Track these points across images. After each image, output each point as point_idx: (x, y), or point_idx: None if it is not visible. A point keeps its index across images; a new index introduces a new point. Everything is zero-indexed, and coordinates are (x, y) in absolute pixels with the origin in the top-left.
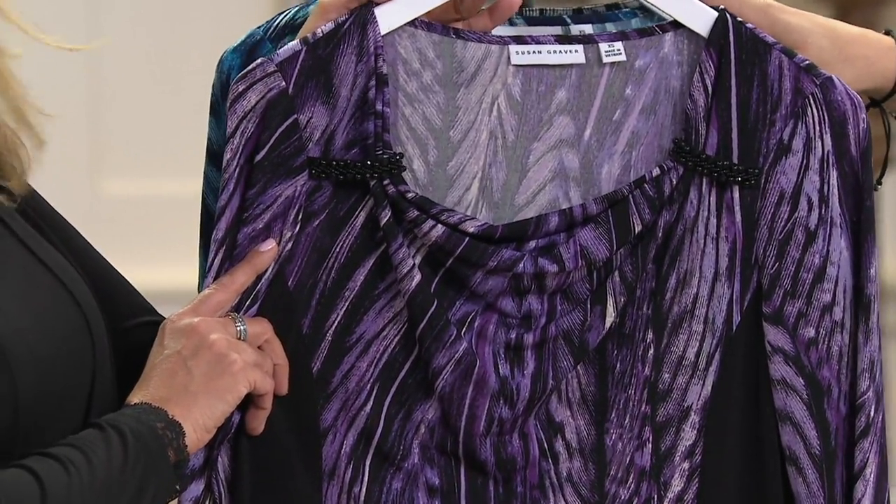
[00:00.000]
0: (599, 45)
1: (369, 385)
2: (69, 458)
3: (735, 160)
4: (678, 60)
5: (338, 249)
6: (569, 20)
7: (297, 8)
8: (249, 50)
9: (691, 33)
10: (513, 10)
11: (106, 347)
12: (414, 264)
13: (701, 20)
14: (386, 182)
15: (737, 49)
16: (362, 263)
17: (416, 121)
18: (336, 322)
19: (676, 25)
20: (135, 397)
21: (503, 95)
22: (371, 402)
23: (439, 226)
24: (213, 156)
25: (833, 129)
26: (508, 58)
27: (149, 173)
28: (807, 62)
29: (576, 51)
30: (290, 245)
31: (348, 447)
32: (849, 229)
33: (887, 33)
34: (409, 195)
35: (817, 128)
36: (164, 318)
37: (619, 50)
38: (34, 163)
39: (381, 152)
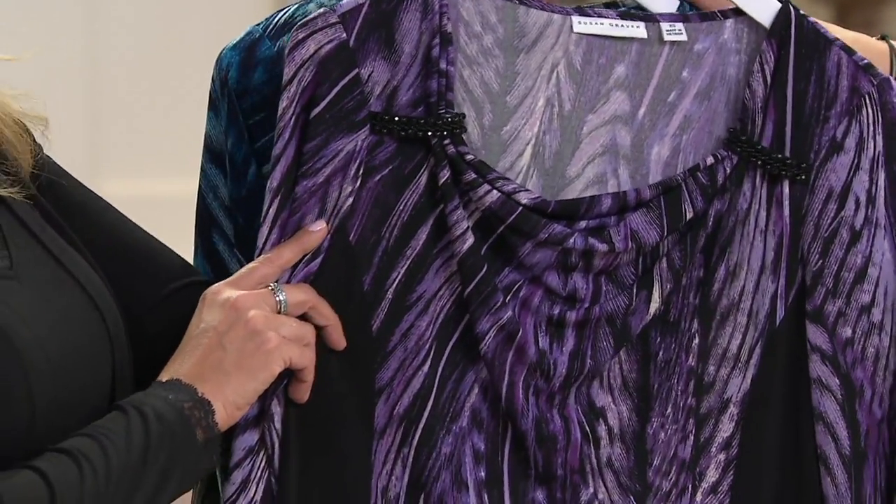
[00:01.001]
0: (661, 23)
1: (427, 345)
2: (82, 452)
3: (788, 154)
4: (737, 48)
5: (401, 207)
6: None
7: (296, 6)
8: (248, 47)
9: (752, 22)
10: None
11: (125, 352)
12: (468, 227)
13: (764, 10)
14: (447, 142)
15: (797, 42)
16: (425, 222)
17: (474, 83)
18: (397, 280)
19: (738, 13)
20: (166, 373)
21: (563, 64)
22: (428, 363)
23: (494, 191)
24: (212, 152)
25: (886, 130)
26: (571, 27)
27: (149, 173)
28: (865, 61)
29: (637, 26)
30: (350, 200)
31: (402, 408)
32: (893, 232)
33: (882, 38)
34: (468, 157)
35: (871, 128)
36: (205, 281)
37: (680, 30)
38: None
39: (443, 111)
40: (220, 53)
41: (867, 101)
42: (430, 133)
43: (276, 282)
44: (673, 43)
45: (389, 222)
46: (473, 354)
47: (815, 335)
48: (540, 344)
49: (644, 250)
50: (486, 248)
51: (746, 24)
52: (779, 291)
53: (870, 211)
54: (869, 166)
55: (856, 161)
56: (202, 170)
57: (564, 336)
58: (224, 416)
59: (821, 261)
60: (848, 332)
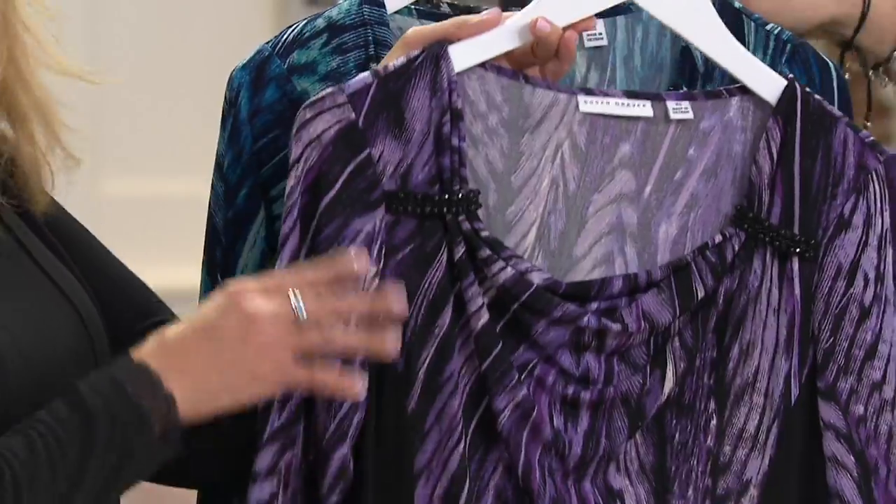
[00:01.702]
0: (667, 102)
1: (460, 425)
2: (7, 453)
3: (796, 231)
4: (742, 126)
5: (426, 286)
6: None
7: (304, 22)
8: (258, 66)
9: (758, 100)
10: (573, 52)
11: (105, 349)
12: (483, 303)
13: (769, 87)
14: (462, 218)
15: (803, 119)
16: (448, 300)
17: (479, 163)
18: (427, 360)
19: (743, 91)
20: (147, 349)
21: (568, 144)
22: (462, 443)
23: (508, 268)
24: (220, 168)
25: (893, 206)
26: (576, 106)
27: (149, 173)
28: (871, 138)
29: (643, 105)
30: (376, 281)
31: (441, 490)
32: None
33: None
34: (484, 234)
35: (878, 204)
36: (175, 318)
37: (686, 108)
38: (67, 182)
39: (458, 187)
40: (231, 73)
41: (874, 177)
42: (445, 210)
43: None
44: (679, 121)
45: (416, 301)
46: (495, 433)
47: (829, 413)
48: (555, 423)
49: (656, 330)
50: (502, 326)
51: (752, 101)
52: (792, 370)
53: (878, 288)
54: (877, 243)
55: (864, 238)
56: (212, 185)
57: (579, 416)
58: (190, 411)
59: (832, 338)
60: (861, 409)
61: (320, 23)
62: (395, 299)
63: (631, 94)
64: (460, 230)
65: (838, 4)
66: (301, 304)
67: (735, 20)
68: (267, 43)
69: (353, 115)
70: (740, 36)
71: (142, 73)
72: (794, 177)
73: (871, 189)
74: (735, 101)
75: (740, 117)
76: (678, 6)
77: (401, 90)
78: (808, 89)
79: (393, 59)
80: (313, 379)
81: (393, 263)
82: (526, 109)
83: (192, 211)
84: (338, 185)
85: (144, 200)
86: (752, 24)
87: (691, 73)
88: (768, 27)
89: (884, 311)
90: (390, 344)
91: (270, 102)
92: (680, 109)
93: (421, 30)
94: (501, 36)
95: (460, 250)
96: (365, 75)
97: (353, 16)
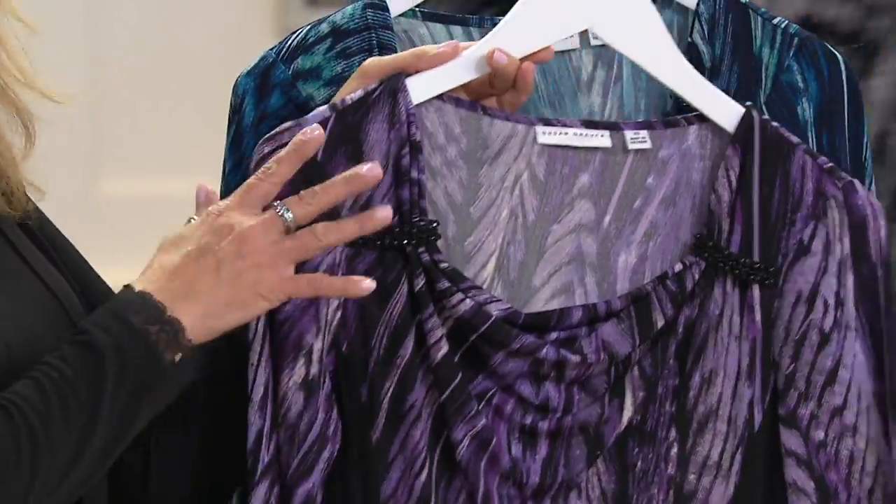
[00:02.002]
0: (625, 131)
1: (423, 454)
2: (18, 399)
3: (756, 258)
4: (701, 154)
5: (387, 317)
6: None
7: (308, 27)
8: (263, 73)
9: (716, 128)
10: (531, 84)
11: None
12: (442, 335)
13: (727, 115)
14: (421, 249)
15: (762, 146)
16: (411, 331)
17: (438, 195)
18: (390, 390)
19: (702, 119)
20: (143, 278)
21: (527, 175)
22: (425, 471)
23: (467, 300)
24: (223, 173)
25: (853, 232)
26: (535, 137)
27: (149, 173)
28: (830, 164)
29: (602, 135)
30: (339, 313)
31: None
32: (865, 334)
33: None
34: (443, 265)
35: (837, 230)
36: None
37: (644, 138)
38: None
39: (417, 219)
40: (236, 80)
41: (833, 204)
42: (405, 241)
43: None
44: (637, 151)
45: (378, 332)
46: (456, 461)
47: (790, 439)
48: (513, 452)
49: (616, 360)
50: (460, 356)
51: (710, 129)
52: (755, 397)
53: (839, 314)
54: (837, 269)
55: (823, 264)
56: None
57: (537, 445)
58: (199, 332)
59: (792, 364)
60: (821, 434)
61: (324, 27)
62: (371, 172)
63: (589, 124)
64: (420, 262)
65: None
66: (285, 209)
67: (742, 15)
68: (271, 49)
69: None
70: (746, 31)
71: (142, 73)
72: (752, 204)
73: (830, 215)
74: (693, 130)
75: (699, 146)
76: (637, 37)
77: (359, 123)
78: (765, 117)
79: (349, 91)
80: (317, 284)
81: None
82: (484, 141)
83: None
84: None
85: (144, 200)
86: (759, 18)
87: (697, 69)
88: (775, 21)
89: (844, 337)
90: (381, 213)
91: (276, 108)
92: (638, 139)
93: (378, 61)
94: (459, 67)
95: (420, 282)
96: (322, 109)
97: (357, 20)
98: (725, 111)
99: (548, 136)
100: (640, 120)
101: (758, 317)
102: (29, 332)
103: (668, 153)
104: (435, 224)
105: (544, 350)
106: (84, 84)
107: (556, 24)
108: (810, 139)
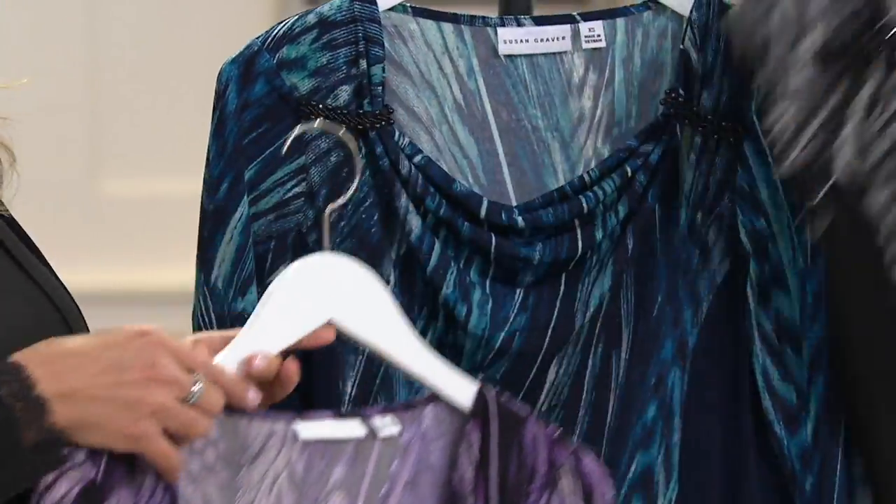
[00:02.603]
0: (373, 419)
1: None
2: None
3: None
4: (438, 434)
5: None
6: (578, 18)
7: (295, 17)
8: (247, 61)
9: (451, 407)
10: (295, 378)
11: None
12: None
13: (462, 393)
14: None
15: (498, 420)
16: None
17: (197, 500)
18: None
19: (435, 398)
20: (28, 352)
21: (286, 474)
22: None
23: None
24: (207, 160)
25: (584, 497)
26: (295, 435)
27: (149, 173)
28: (557, 434)
29: (355, 426)
30: None
31: None
32: None
33: None
34: None
35: (570, 497)
36: None
37: (390, 423)
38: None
39: None
40: (221, 67)
41: (564, 471)
42: None
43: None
44: (385, 438)
45: None
46: None
47: None
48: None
49: None
50: None
51: (447, 408)
52: None
53: None
54: None
55: None
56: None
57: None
58: (66, 420)
59: None
60: None
61: (311, 18)
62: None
63: (338, 415)
64: None
65: None
66: (198, 392)
67: None
68: (257, 38)
69: (91, 473)
70: None
71: (141, 72)
72: (490, 479)
73: (562, 484)
74: (429, 410)
75: (436, 426)
76: (372, 320)
77: None
78: (494, 392)
79: None
80: (156, 447)
81: None
82: (243, 442)
83: (192, 211)
84: None
85: (144, 200)
86: None
87: (687, 76)
88: None
89: None
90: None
91: (259, 97)
92: (386, 425)
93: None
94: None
95: None
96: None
97: (344, 12)
98: (460, 389)
99: (306, 430)
100: (386, 405)
101: None
102: (19, 329)
103: (408, 437)
104: None
105: None
106: (84, 84)
107: (301, 319)
108: None
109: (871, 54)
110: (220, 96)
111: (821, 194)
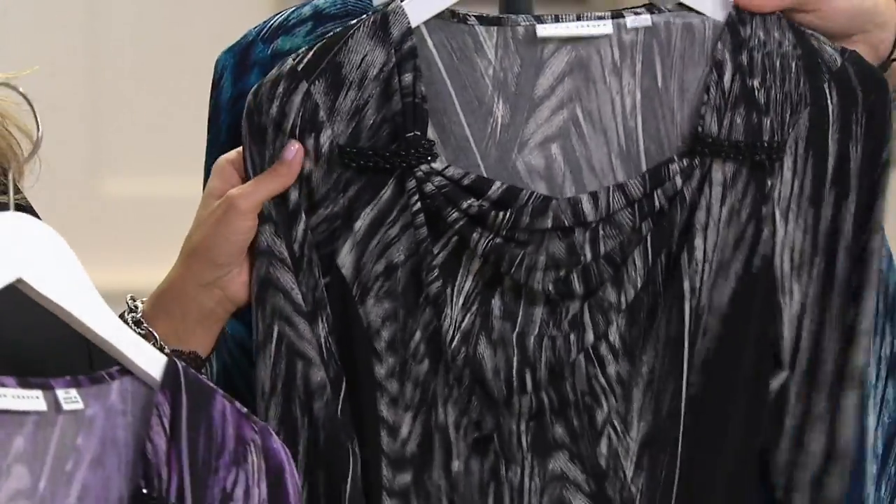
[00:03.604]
0: (56, 391)
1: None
2: None
3: None
4: (123, 409)
5: None
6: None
7: (291, 9)
8: (243, 50)
9: (138, 380)
10: None
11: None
12: None
13: (153, 365)
14: None
15: (188, 393)
16: None
17: None
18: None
19: (125, 371)
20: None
21: None
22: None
23: None
24: (206, 151)
25: (269, 477)
26: None
27: (149, 173)
28: (245, 410)
29: (36, 397)
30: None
31: None
32: None
33: None
34: None
35: (255, 475)
36: None
37: (75, 398)
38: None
39: None
40: (217, 56)
41: (251, 448)
42: None
43: None
44: (70, 412)
45: None
46: None
47: None
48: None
49: None
50: None
51: (132, 382)
52: None
53: None
54: None
55: None
56: (204, 175)
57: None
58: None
59: None
60: None
61: (306, 11)
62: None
63: (24, 384)
64: None
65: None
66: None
67: None
68: (253, 28)
69: None
70: None
71: (142, 72)
72: (182, 452)
73: (250, 460)
74: (116, 385)
75: (121, 401)
76: (62, 285)
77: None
78: (183, 365)
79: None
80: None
81: None
82: None
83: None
84: None
85: (144, 200)
86: None
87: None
88: None
89: None
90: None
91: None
92: (70, 399)
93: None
94: None
95: None
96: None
97: (339, 5)
98: (150, 361)
99: None
100: (72, 378)
101: None
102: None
103: (93, 411)
104: None
105: None
106: (84, 84)
107: None
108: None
109: None
110: (215, 85)
111: None
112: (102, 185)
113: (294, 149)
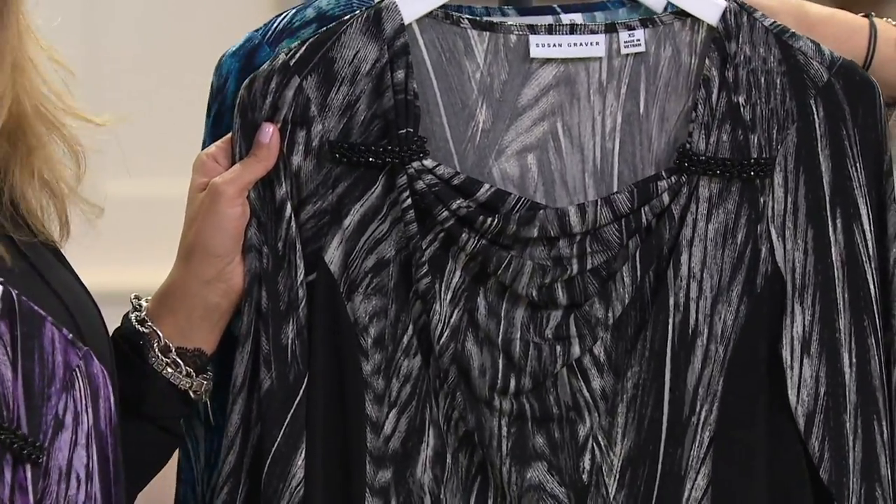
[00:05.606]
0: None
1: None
2: None
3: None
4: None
5: None
6: (559, 10)
7: (294, 10)
8: (248, 54)
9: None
10: None
11: (114, 376)
12: None
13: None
14: None
15: (20, 319)
16: None
17: None
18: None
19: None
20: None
21: None
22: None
23: None
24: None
25: (93, 398)
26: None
27: (149, 173)
28: (71, 336)
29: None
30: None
31: None
32: None
33: (866, 16)
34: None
35: (83, 401)
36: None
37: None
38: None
39: None
40: (220, 60)
41: (77, 374)
42: None
43: None
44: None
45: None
46: None
47: None
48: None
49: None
50: None
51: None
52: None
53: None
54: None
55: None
56: None
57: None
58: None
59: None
60: None
61: (310, 12)
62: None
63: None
64: None
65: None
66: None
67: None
68: (256, 31)
69: None
70: None
71: (142, 72)
72: (17, 380)
73: (77, 386)
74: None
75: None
76: None
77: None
78: (17, 293)
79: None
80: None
81: None
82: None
83: None
84: None
85: (144, 200)
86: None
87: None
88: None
89: None
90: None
91: None
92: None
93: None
94: None
95: None
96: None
97: (342, 7)
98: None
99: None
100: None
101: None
102: None
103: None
104: None
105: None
106: (83, 84)
107: None
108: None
109: None
110: (219, 89)
111: None
112: (103, 185)
113: (268, 131)
